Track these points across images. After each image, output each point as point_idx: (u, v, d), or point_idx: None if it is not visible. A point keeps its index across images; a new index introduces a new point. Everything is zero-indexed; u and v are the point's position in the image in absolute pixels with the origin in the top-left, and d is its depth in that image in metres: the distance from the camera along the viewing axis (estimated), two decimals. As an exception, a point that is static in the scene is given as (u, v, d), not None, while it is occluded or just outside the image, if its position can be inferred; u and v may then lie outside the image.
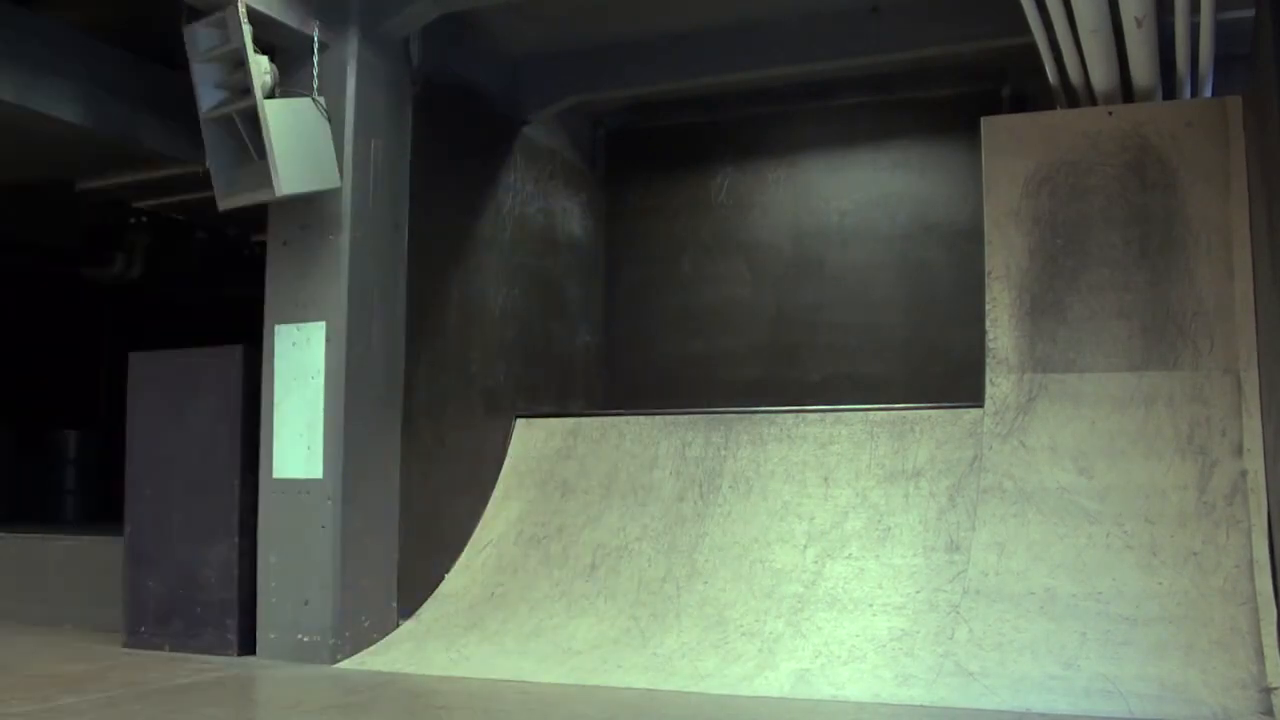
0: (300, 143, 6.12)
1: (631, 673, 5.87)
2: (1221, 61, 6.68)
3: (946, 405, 7.03)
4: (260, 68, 5.88)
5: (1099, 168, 6.57)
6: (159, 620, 6.80)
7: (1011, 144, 6.78)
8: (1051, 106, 7.30)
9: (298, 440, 6.48)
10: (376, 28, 6.73)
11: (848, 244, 9.12)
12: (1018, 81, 8.24)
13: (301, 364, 6.52)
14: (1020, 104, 8.12)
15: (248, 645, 6.53)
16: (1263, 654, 5.14)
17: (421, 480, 7.06)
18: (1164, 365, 6.26)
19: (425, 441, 7.13)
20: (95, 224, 11.75)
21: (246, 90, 5.91)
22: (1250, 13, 6.20)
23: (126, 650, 6.74)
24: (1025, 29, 6.29)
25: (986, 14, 7.01)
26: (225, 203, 6.22)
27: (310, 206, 6.49)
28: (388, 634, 6.66)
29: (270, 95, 5.97)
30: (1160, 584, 5.64)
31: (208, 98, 6.13)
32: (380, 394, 6.73)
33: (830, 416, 7.27)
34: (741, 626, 6.16)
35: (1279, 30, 5.21)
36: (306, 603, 6.38)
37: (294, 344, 6.56)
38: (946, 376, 8.22)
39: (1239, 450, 5.94)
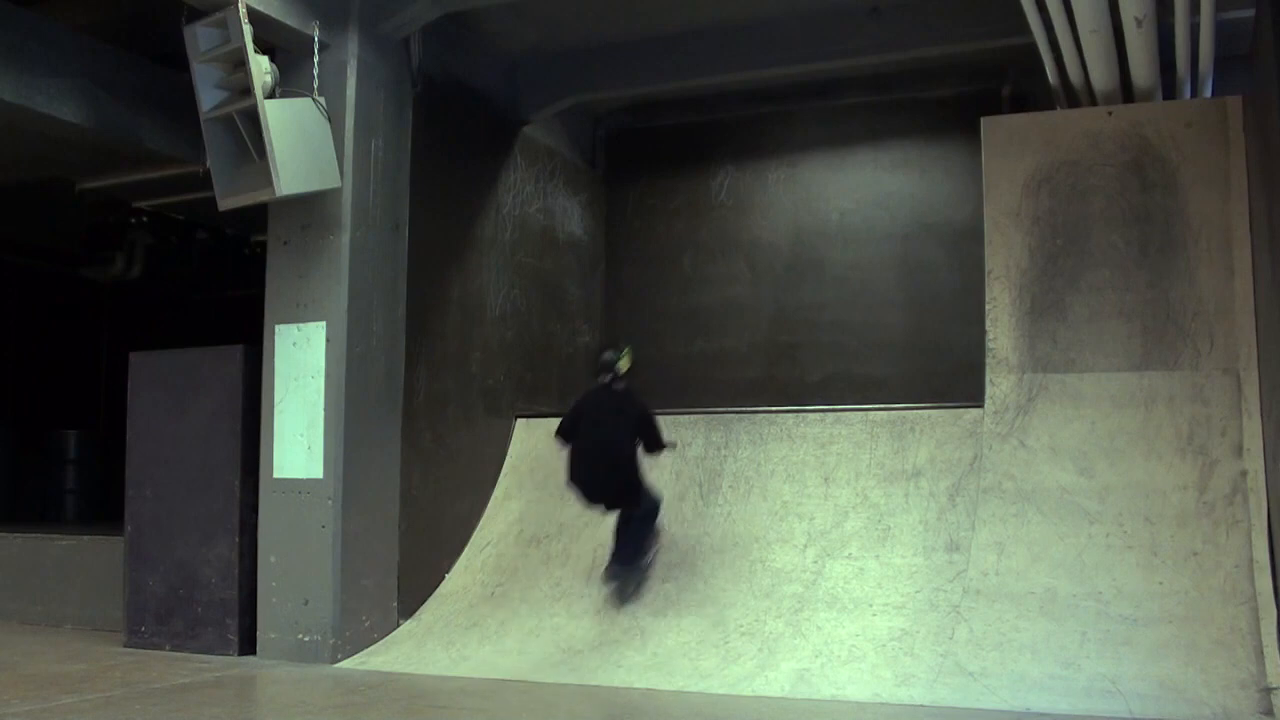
0: (300, 143, 6.12)
1: (632, 673, 5.87)
2: (1221, 61, 6.68)
3: (946, 405, 7.03)
4: (260, 68, 5.88)
5: (1099, 168, 6.57)
6: (159, 620, 6.80)
7: (1011, 144, 6.78)
8: (1051, 106, 7.30)
9: (298, 440, 6.48)
10: (376, 28, 6.73)
11: (848, 244, 9.12)
12: (1018, 81, 8.24)
13: (301, 364, 6.52)
14: (1020, 104, 8.11)
15: (248, 645, 6.53)
16: (1263, 654, 5.14)
17: (421, 480, 7.06)
18: (1164, 365, 6.25)
19: (425, 441, 7.13)
20: (95, 224, 11.76)
21: (247, 90, 5.92)
22: (1250, 13, 6.21)
23: (126, 650, 6.74)
24: (1025, 29, 6.29)
25: (986, 14, 7.01)
26: (225, 203, 6.22)
27: (310, 206, 6.49)
28: (388, 634, 6.66)
29: (270, 95, 5.97)
30: (1160, 584, 5.64)
31: (208, 98, 6.13)
32: (380, 394, 6.73)
33: (830, 416, 7.27)
34: (741, 626, 6.16)
35: (1279, 30, 5.21)
36: (306, 602, 6.38)
37: (294, 344, 6.56)
38: (946, 376, 8.22)
39: (1239, 450, 5.94)
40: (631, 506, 6.57)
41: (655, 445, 6.55)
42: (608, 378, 6.60)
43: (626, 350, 6.64)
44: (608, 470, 6.44)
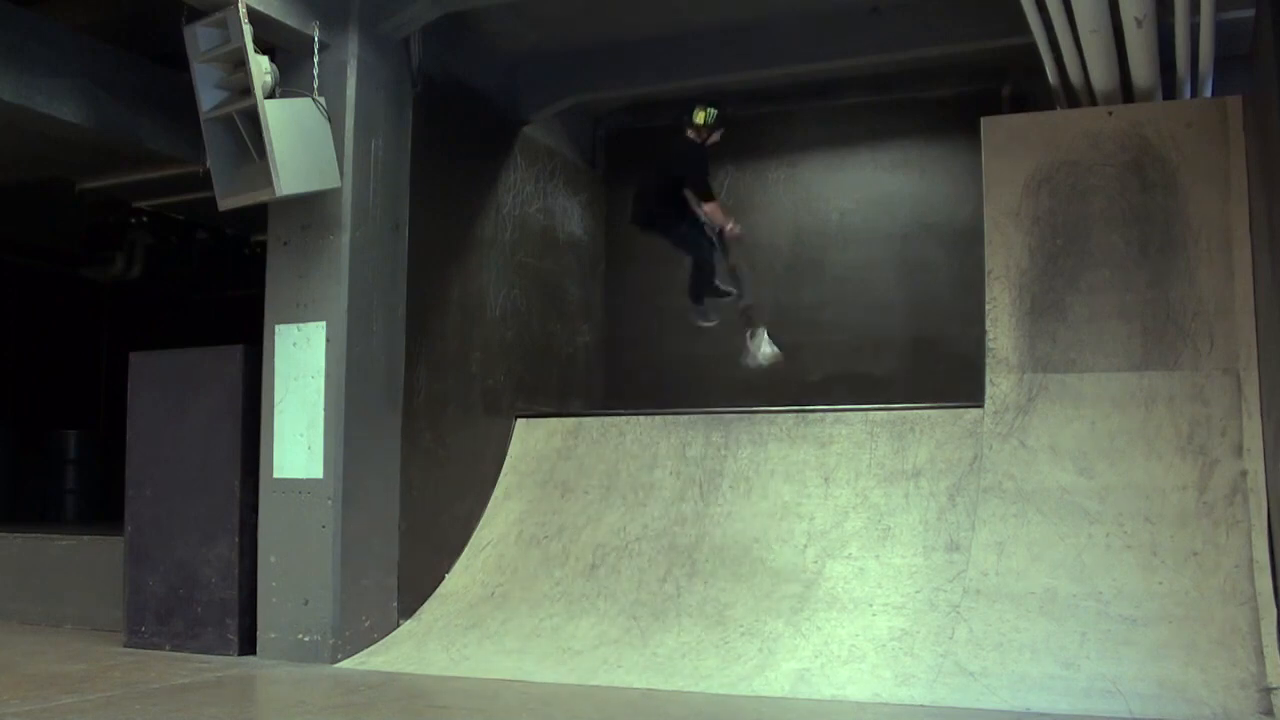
0: (300, 143, 6.12)
1: (631, 673, 5.87)
2: (1221, 61, 6.68)
3: (946, 405, 7.02)
4: (260, 68, 5.88)
5: (1099, 168, 6.57)
6: (159, 620, 6.80)
7: (1011, 144, 6.78)
8: (1051, 106, 7.30)
9: (298, 440, 6.48)
10: (376, 28, 6.73)
11: (848, 244, 9.12)
12: (1018, 81, 8.24)
13: (301, 364, 6.52)
14: (1020, 104, 8.11)
15: (248, 645, 6.53)
16: (1263, 654, 5.14)
17: (421, 480, 7.06)
18: (1164, 365, 6.25)
19: (425, 441, 7.13)
20: (95, 224, 11.76)
21: (247, 90, 5.92)
22: (1250, 13, 6.20)
23: (126, 650, 6.74)
24: (1025, 29, 6.29)
25: (986, 14, 7.01)
26: (225, 203, 6.22)
27: (310, 206, 6.49)
28: (388, 634, 6.66)
29: (270, 95, 5.97)
30: (1160, 584, 5.64)
31: (208, 98, 6.13)
32: (380, 394, 6.73)
33: (830, 416, 7.27)
34: (741, 626, 6.16)
35: (1279, 30, 5.21)
36: (306, 603, 6.38)
37: (294, 344, 6.56)
38: (946, 376, 8.21)
39: (1239, 450, 5.94)
40: (665, 237, 7.36)
41: (696, 186, 7.10)
42: (686, 121, 7.16)
43: (707, 109, 7.10)
44: (654, 198, 7.23)
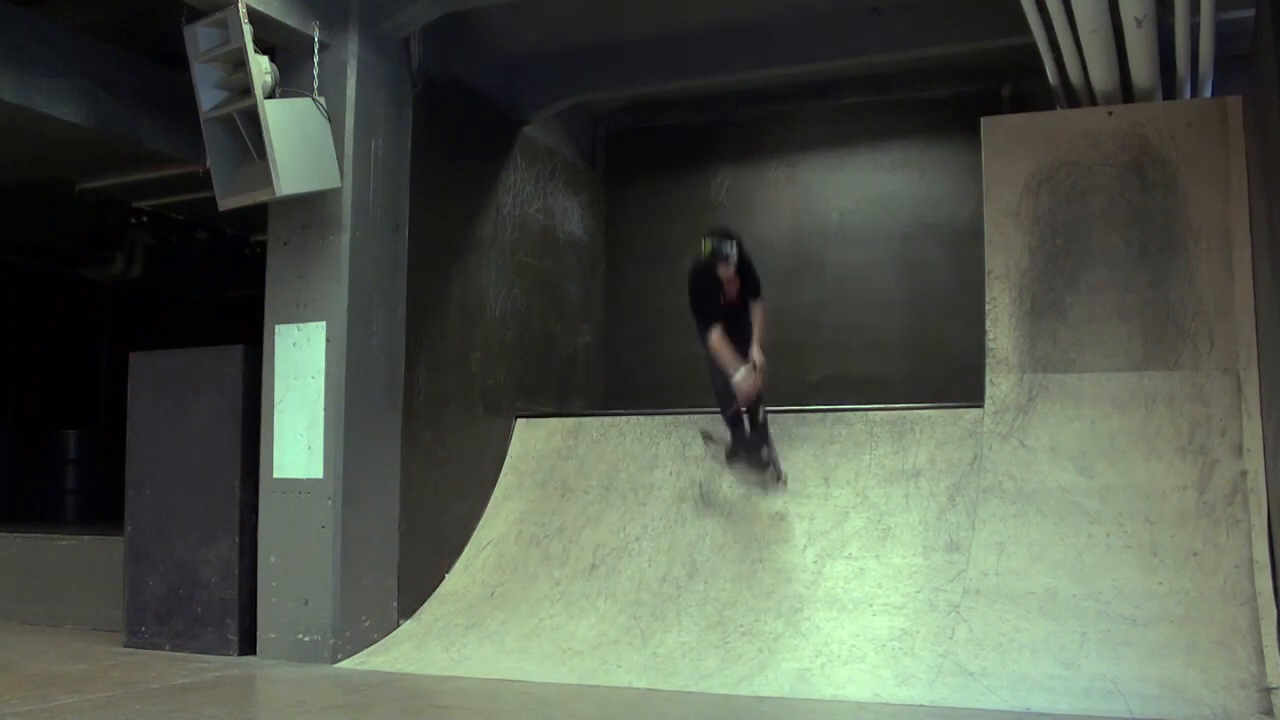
0: (300, 143, 6.12)
1: (631, 673, 5.87)
2: (1221, 61, 6.68)
3: (946, 405, 7.03)
4: (260, 68, 5.88)
5: (1099, 168, 6.57)
6: (159, 620, 6.80)
7: (1011, 144, 6.78)
8: (1051, 106, 7.30)
9: (298, 440, 6.48)
10: (377, 28, 6.73)
11: (848, 244, 9.11)
12: (1018, 81, 8.24)
13: (301, 364, 6.52)
14: (1020, 104, 8.12)
15: (248, 645, 6.53)
16: (1263, 654, 5.14)
17: (421, 480, 7.06)
18: (1164, 365, 6.25)
19: (425, 441, 7.13)
20: (95, 224, 11.77)
21: (247, 90, 5.92)
22: (1250, 13, 6.21)
23: (126, 650, 6.74)
24: (1025, 29, 6.29)
25: (986, 14, 7.01)
26: (225, 203, 6.23)
27: (310, 206, 6.49)
28: (388, 634, 6.66)
29: (270, 95, 5.97)
30: (1160, 584, 5.64)
31: (208, 98, 6.13)
32: (380, 394, 6.73)
33: (830, 416, 7.27)
34: (741, 626, 6.16)
35: (1279, 30, 5.21)
36: (306, 602, 6.38)
37: (294, 344, 6.56)
38: (946, 376, 8.21)
39: (1239, 450, 5.94)
40: None
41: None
42: None
43: (706, 240, 6.67)
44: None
